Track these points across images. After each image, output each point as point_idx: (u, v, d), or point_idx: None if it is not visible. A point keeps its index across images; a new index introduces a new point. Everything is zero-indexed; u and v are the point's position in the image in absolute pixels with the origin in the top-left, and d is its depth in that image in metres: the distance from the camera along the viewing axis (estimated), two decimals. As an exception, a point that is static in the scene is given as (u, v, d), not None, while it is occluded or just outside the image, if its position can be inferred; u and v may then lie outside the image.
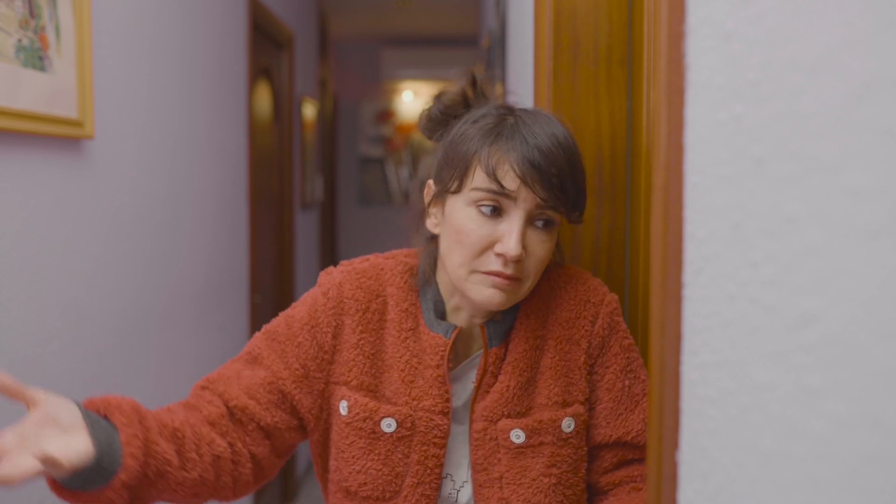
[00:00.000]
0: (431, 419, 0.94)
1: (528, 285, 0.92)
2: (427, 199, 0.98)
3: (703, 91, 0.49)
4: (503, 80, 2.76)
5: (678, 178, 0.53)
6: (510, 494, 0.93)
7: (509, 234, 0.87)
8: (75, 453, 0.74)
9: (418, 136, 6.48)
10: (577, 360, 0.97)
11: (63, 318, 1.55)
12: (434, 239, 1.00)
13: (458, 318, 0.99)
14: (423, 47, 6.34)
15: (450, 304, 0.99)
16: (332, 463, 0.98)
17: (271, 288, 3.54)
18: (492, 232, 0.88)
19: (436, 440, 0.94)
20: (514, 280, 0.89)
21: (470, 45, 6.19)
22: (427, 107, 1.01)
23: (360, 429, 0.94)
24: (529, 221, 0.89)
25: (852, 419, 0.32)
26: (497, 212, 0.88)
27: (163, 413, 0.89)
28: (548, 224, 0.90)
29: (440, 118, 1.00)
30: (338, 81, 6.45)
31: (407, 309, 0.97)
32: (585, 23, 1.26)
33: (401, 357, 0.96)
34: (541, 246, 0.90)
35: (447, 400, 0.95)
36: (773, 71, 0.40)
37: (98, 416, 0.80)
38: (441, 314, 0.98)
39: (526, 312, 0.98)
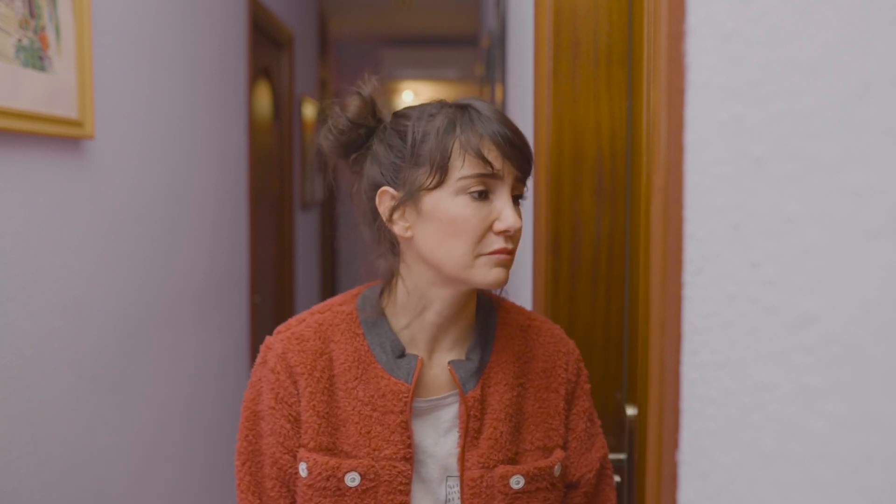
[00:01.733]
0: (394, 467, 0.93)
1: (514, 257, 0.95)
2: (387, 207, 0.95)
3: (703, 91, 0.49)
4: (503, 81, 2.76)
5: (678, 178, 0.53)
6: None
7: (506, 209, 0.90)
8: None
9: (418, 136, 6.47)
10: (556, 407, 1.00)
11: (63, 318, 1.55)
12: (395, 257, 0.97)
13: (417, 350, 0.98)
14: (423, 47, 6.34)
15: (404, 336, 0.97)
16: None
17: (271, 288, 3.54)
18: (487, 214, 0.90)
19: (401, 487, 0.94)
20: (513, 253, 0.93)
21: (470, 45, 6.19)
22: (331, 125, 0.98)
23: (324, 488, 0.93)
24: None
25: (852, 419, 0.32)
26: (485, 194, 0.91)
27: None
28: (522, 195, 0.95)
29: (351, 129, 0.97)
30: (338, 81, 6.45)
31: (350, 357, 0.96)
32: (585, 23, 1.26)
33: (353, 409, 0.95)
34: (520, 216, 0.94)
35: (409, 446, 0.94)
36: (773, 71, 0.40)
37: None
38: (399, 352, 0.97)
39: (502, 358, 0.99)
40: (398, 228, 0.95)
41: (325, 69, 5.32)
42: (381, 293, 1.00)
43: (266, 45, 3.39)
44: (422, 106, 0.97)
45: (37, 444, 1.44)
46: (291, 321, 1.01)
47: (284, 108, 3.70)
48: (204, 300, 2.44)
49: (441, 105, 0.96)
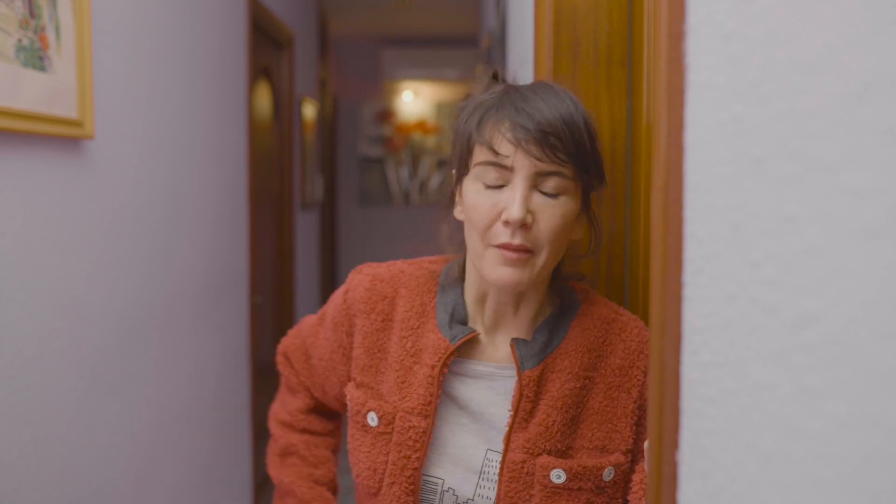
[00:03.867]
0: (408, 419, 0.93)
1: (541, 259, 0.88)
2: (452, 188, 0.99)
3: (703, 91, 0.49)
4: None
5: (678, 178, 0.53)
6: None
7: (511, 198, 0.86)
8: None
9: (418, 137, 6.48)
10: (625, 408, 0.94)
11: (63, 318, 1.55)
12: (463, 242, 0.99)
13: (479, 325, 0.98)
14: (423, 47, 6.34)
15: (471, 309, 0.98)
16: None
17: (271, 288, 3.54)
18: (497, 202, 0.87)
19: (410, 442, 0.93)
20: (525, 252, 0.87)
21: (470, 45, 6.19)
22: (461, 105, 1.00)
23: (355, 421, 0.99)
24: (535, 187, 0.87)
25: (852, 419, 0.32)
26: (502, 182, 0.88)
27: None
28: (557, 189, 0.88)
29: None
30: (338, 81, 6.45)
31: (414, 308, 0.98)
32: (585, 23, 1.26)
33: (398, 356, 0.97)
34: (550, 212, 0.87)
35: (429, 403, 0.93)
36: (773, 71, 0.40)
37: None
38: (461, 319, 0.97)
39: (572, 347, 0.95)
40: (456, 212, 0.97)
41: (325, 69, 5.32)
42: (465, 263, 1.00)
43: (266, 45, 3.39)
44: (490, 88, 0.95)
45: (37, 444, 1.44)
46: (384, 263, 1.06)
47: (284, 108, 3.70)
48: (204, 300, 2.44)
49: (501, 90, 0.93)
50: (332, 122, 6.05)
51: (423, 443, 0.93)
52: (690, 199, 0.52)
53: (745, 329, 0.43)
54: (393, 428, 0.94)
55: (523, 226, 0.86)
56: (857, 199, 0.32)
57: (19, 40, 1.34)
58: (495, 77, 0.99)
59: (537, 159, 0.85)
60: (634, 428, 0.95)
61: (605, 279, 1.28)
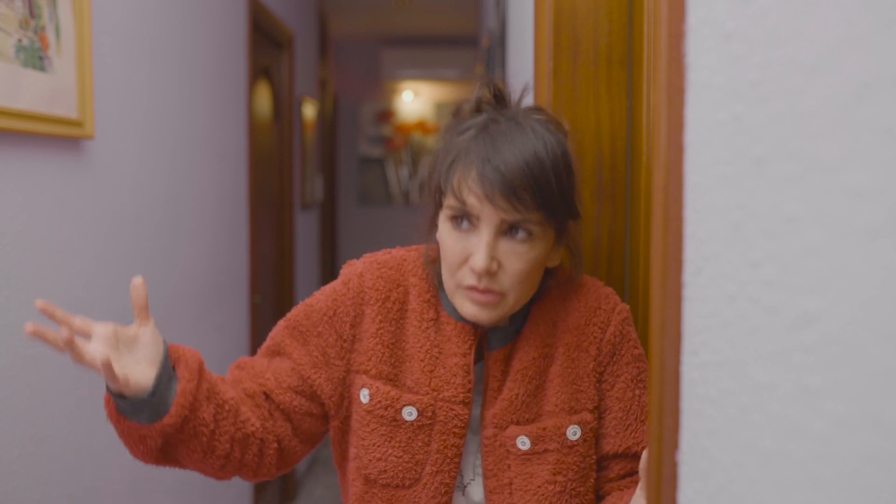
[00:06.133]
0: (451, 409, 0.96)
1: (511, 298, 0.92)
2: (432, 214, 1.01)
3: (703, 91, 0.49)
4: (503, 81, 2.76)
5: (678, 178, 0.53)
6: (518, 500, 0.95)
7: (477, 248, 0.89)
8: (135, 382, 0.83)
9: (418, 137, 6.48)
10: (585, 367, 0.98)
11: (63, 318, 1.55)
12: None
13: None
14: (423, 47, 6.34)
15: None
16: (353, 451, 1.00)
17: (271, 288, 3.54)
18: (466, 246, 0.91)
19: (455, 430, 0.96)
20: (492, 294, 0.90)
21: (470, 45, 6.19)
22: (446, 126, 1.00)
23: (382, 416, 0.96)
24: (503, 233, 0.90)
25: (852, 419, 0.32)
26: (471, 226, 0.91)
27: (218, 381, 0.94)
28: (524, 235, 0.90)
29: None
30: (338, 81, 6.45)
31: (429, 300, 0.99)
32: (585, 23, 1.26)
33: (421, 346, 0.97)
34: (516, 258, 0.90)
35: (469, 390, 0.96)
36: (773, 71, 0.40)
37: (169, 361, 0.88)
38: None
39: (536, 320, 0.99)
40: (436, 234, 0.99)
41: (325, 69, 5.32)
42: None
43: (266, 45, 3.39)
44: (469, 120, 0.95)
45: (37, 444, 1.44)
46: (379, 252, 1.05)
47: (284, 108, 3.70)
48: (204, 300, 2.44)
49: (476, 128, 0.92)
50: (332, 122, 6.05)
51: (465, 430, 0.96)
52: (690, 199, 0.52)
53: (745, 329, 0.43)
54: (435, 419, 0.96)
55: (489, 272, 0.89)
56: (857, 199, 0.32)
57: (19, 40, 1.34)
58: (493, 92, 0.97)
59: (504, 210, 0.88)
60: (597, 385, 0.98)
61: (605, 279, 1.28)
